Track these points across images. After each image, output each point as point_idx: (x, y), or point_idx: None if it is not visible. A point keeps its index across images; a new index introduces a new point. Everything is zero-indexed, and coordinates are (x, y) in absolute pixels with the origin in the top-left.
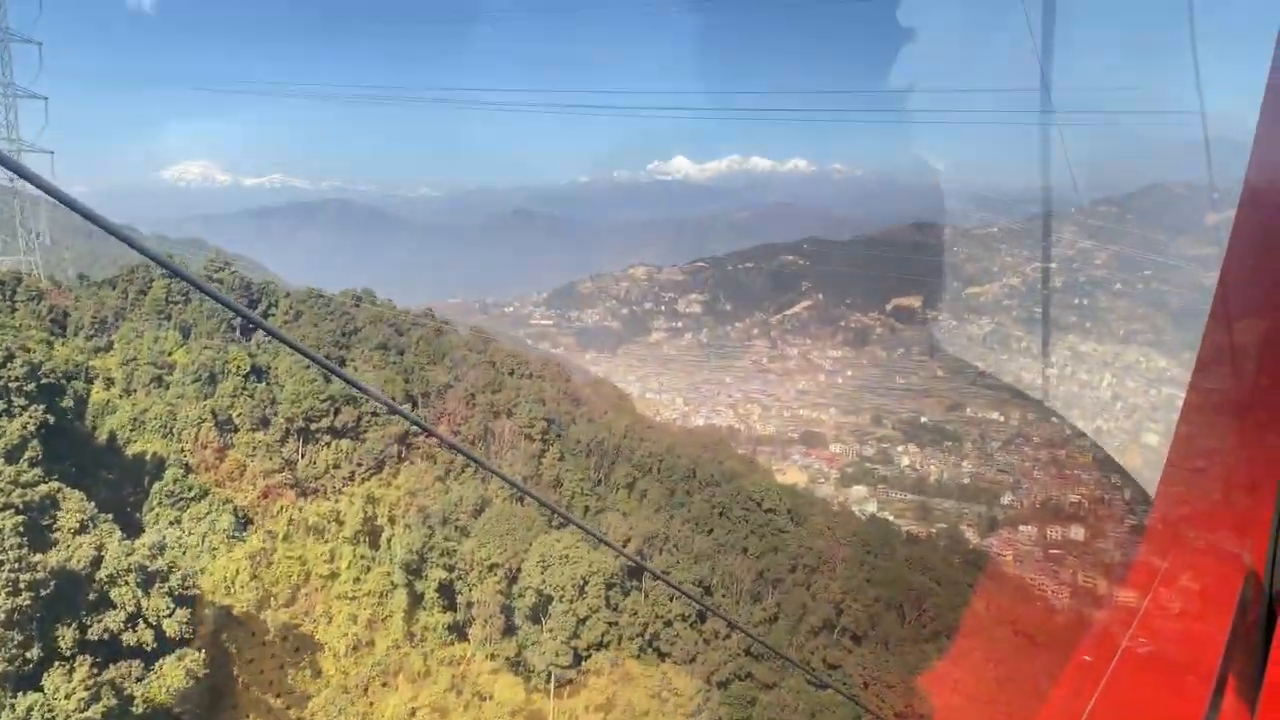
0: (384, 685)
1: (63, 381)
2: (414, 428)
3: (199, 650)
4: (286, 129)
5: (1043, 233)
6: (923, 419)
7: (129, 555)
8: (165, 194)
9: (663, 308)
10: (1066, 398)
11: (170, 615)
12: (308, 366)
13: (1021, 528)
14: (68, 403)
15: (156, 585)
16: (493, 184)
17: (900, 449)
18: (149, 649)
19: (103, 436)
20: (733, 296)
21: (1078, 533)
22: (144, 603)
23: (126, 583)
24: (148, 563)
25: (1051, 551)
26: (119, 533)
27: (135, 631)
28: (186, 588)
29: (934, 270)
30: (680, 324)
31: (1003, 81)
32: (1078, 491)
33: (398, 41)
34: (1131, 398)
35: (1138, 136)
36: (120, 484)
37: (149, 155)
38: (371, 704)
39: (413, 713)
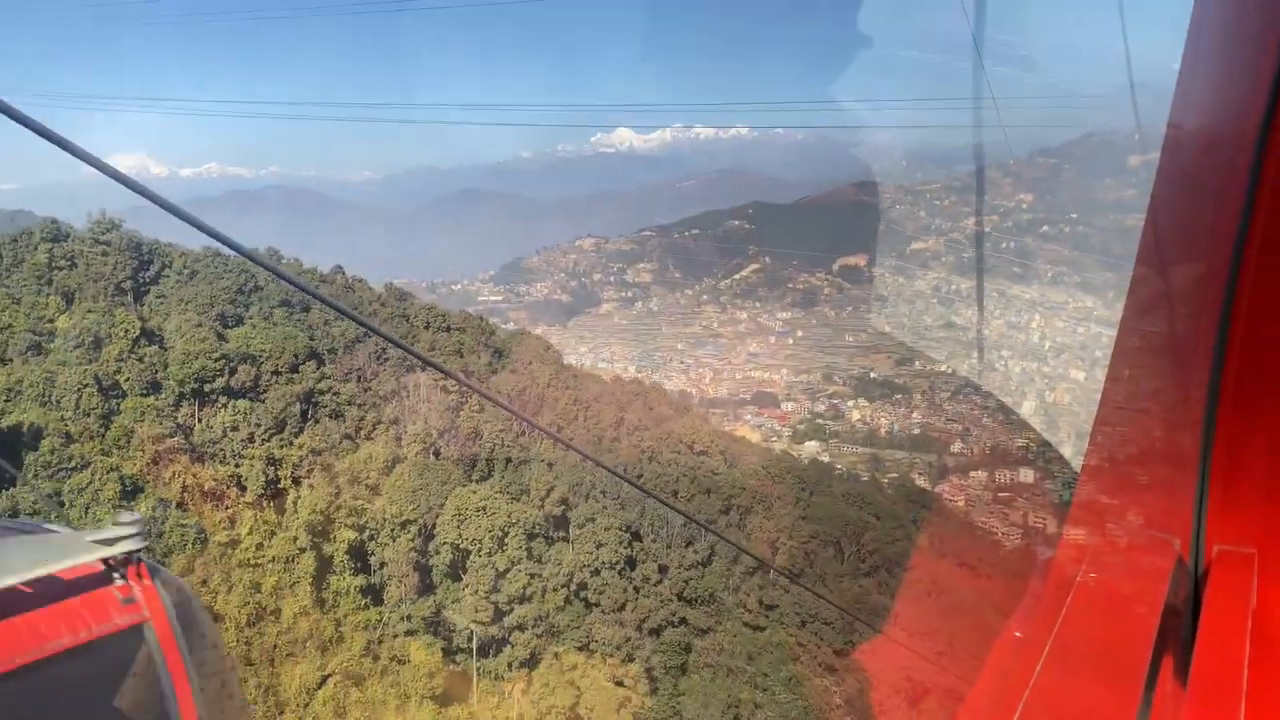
0: (289, 656)
1: None
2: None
3: None
4: (221, 121)
5: (979, 187)
6: (872, 374)
7: None
8: (99, 188)
9: (612, 278)
10: (1001, 343)
11: None
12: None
13: (972, 474)
14: None
15: None
16: (436, 165)
17: (851, 404)
18: None
19: None
20: (681, 264)
21: (1026, 476)
22: None
23: None
24: None
25: (1000, 495)
26: None
27: None
28: None
29: (877, 228)
30: (630, 293)
31: (937, 42)
32: (1025, 436)
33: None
34: (1059, 337)
35: (1069, 87)
36: None
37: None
38: (278, 676)
39: (323, 680)
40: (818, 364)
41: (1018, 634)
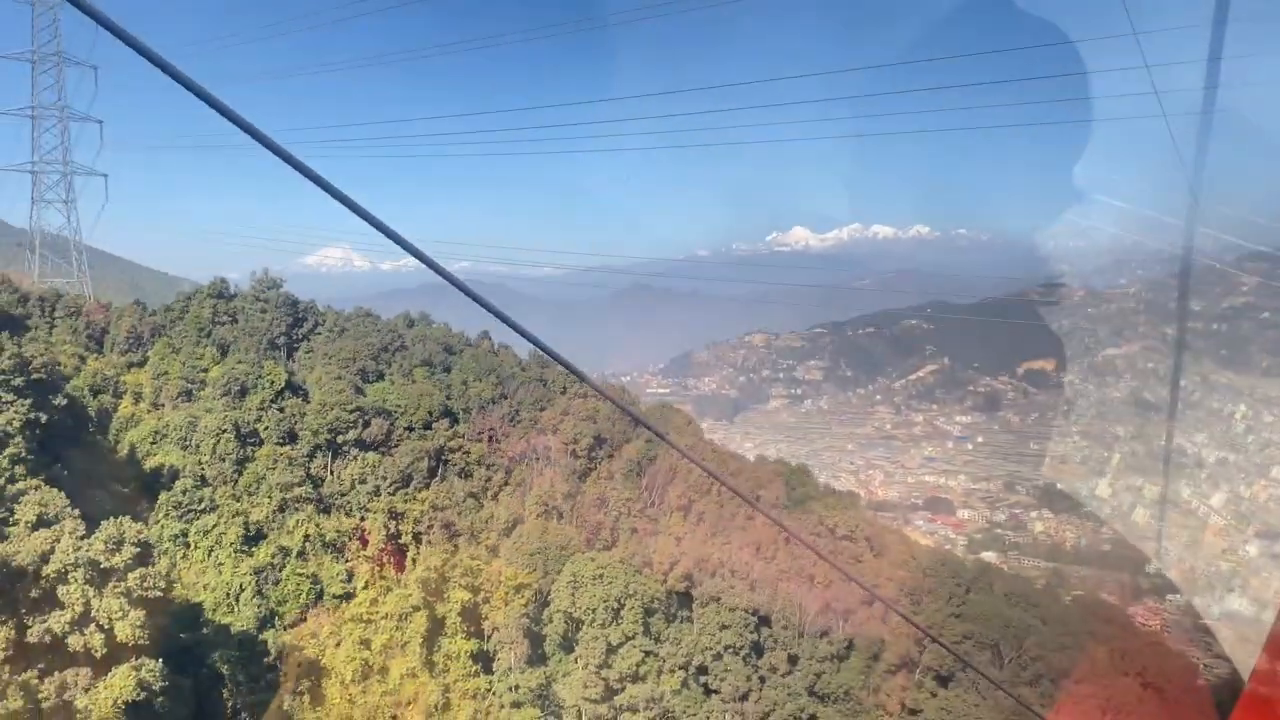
0: (393, 718)
1: (83, 393)
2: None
3: (156, 660)
4: (422, 217)
5: (1181, 291)
6: (1059, 485)
7: (77, 550)
8: (310, 280)
9: (781, 374)
10: (1197, 434)
11: (123, 618)
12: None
13: (1169, 596)
14: (63, 404)
15: (111, 584)
16: (614, 262)
17: (1034, 515)
18: (98, 655)
19: (124, 450)
20: (854, 362)
21: (1234, 603)
22: (95, 603)
23: (74, 579)
24: (103, 559)
25: (1202, 621)
26: (81, 527)
27: (83, 634)
28: (147, 588)
29: (1067, 332)
30: (799, 390)
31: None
32: (1229, 558)
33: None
34: (1267, 432)
35: None
36: (135, 498)
37: (295, 241)
38: None
39: None
40: (999, 471)
41: None
